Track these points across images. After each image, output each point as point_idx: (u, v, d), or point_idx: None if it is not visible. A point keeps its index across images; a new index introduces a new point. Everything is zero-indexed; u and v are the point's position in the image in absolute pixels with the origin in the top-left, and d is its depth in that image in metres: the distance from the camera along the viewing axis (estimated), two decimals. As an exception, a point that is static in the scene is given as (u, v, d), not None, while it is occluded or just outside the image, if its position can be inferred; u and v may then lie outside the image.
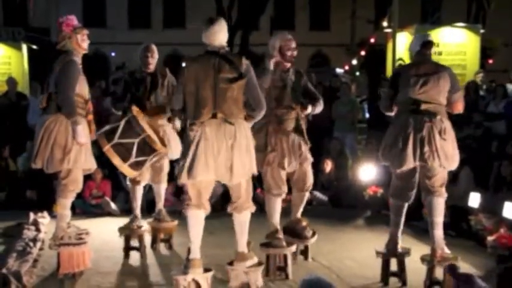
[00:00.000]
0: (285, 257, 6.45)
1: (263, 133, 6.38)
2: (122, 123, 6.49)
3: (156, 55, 7.43)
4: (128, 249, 7.27)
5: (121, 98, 7.46)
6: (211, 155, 5.40)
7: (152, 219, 7.68)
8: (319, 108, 6.70)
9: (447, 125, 6.04)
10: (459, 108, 6.28)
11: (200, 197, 5.62)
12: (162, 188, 7.65)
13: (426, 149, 5.90)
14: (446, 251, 6.13)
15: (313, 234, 6.86)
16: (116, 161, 6.41)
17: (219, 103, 5.45)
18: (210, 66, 5.51)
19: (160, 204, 7.67)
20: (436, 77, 6.04)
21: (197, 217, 5.64)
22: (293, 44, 6.56)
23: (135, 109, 6.74)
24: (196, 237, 5.64)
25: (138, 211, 7.48)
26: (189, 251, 5.72)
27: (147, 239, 7.52)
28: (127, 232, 7.33)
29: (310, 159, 6.67)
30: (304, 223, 6.80)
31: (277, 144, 6.40)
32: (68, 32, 6.40)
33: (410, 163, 5.98)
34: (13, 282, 5.87)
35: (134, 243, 7.33)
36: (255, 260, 5.85)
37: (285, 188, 6.57)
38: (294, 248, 6.62)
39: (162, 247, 7.65)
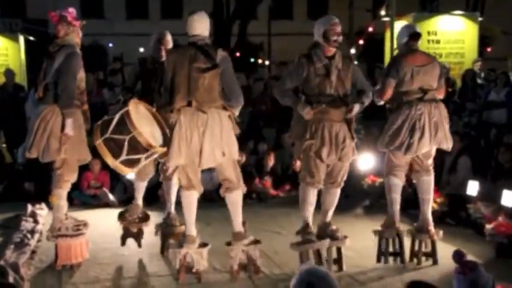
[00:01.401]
0: (318, 252, 6.16)
1: (303, 121, 6.10)
2: (117, 116, 6.08)
3: (170, 44, 6.87)
4: (125, 237, 7.11)
5: (130, 88, 6.95)
6: (184, 141, 5.77)
7: (162, 222, 7.17)
8: (367, 101, 6.32)
9: (445, 110, 6.51)
10: (442, 93, 6.68)
11: (189, 180, 5.98)
12: (171, 186, 7.04)
13: (440, 133, 6.36)
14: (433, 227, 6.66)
15: (345, 237, 6.44)
16: (107, 157, 6.08)
17: (192, 91, 5.77)
18: (186, 56, 5.82)
19: (169, 206, 7.13)
20: (431, 66, 6.45)
21: (189, 197, 6.03)
22: (338, 28, 6.19)
23: (133, 102, 6.29)
24: (190, 216, 6.05)
25: (140, 201, 7.18)
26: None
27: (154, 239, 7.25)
28: (125, 223, 7.09)
29: (352, 156, 6.27)
30: (333, 227, 6.40)
31: (317, 132, 6.04)
32: (77, 26, 6.40)
33: (426, 147, 6.35)
34: (11, 274, 5.87)
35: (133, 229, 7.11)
36: (251, 238, 6.13)
37: (319, 178, 6.21)
38: (327, 242, 6.25)
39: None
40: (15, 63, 15.78)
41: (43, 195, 9.05)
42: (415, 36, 6.53)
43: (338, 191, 6.41)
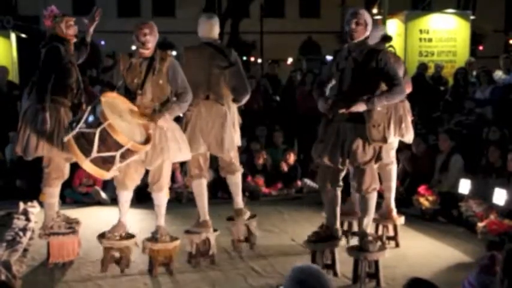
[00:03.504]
0: (332, 252, 5.96)
1: (323, 122, 5.93)
2: (88, 109, 5.51)
3: (155, 35, 6.08)
4: (108, 261, 6.29)
5: (112, 86, 6.11)
6: (206, 132, 6.32)
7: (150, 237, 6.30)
8: (393, 98, 5.72)
9: (409, 105, 6.92)
10: (408, 89, 6.81)
11: (200, 168, 6.51)
12: (161, 199, 6.25)
13: (403, 125, 6.78)
14: (395, 213, 7.15)
15: (382, 247, 5.94)
16: (76, 154, 5.43)
17: (212, 86, 6.33)
18: (205, 54, 6.39)
19: (159, 220, 6.32)
20: (396, 65, 6.61)
21: (200, 186, 6.54)
22: (353, 18, 5.67)
23: (107, 95, 5.70)
24: (202, 203, 6.55)
25: (124, 218, 6.36)
26: (199, 215, 6.55)
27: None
28: (107, 244, 6.24)
29: (364, 160, 5.67)
30: (369, 237, 5.85)
31: (326, 134, 5.82)
32: (50, 25, 6.39)
33: (391, 138, 6.47)
34: (3, 272, 5.84)
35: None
36: (249, 213, 6.90)
37: (333, 180, 5.95)
38: (338, 243, 6.07)
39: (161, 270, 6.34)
40: (7, 60, 15.67)
41: (35, 193, 9.05)
42: (386, 39, 6.95)
43: (368, 197, 5.84)
